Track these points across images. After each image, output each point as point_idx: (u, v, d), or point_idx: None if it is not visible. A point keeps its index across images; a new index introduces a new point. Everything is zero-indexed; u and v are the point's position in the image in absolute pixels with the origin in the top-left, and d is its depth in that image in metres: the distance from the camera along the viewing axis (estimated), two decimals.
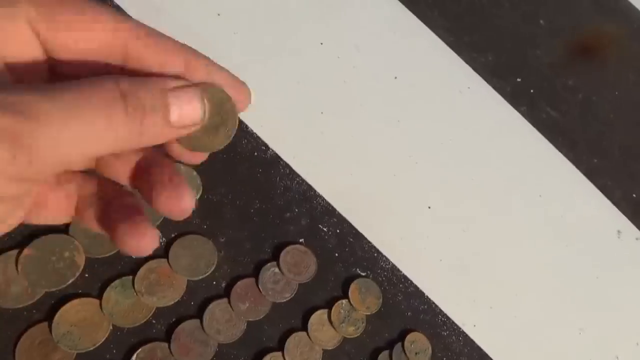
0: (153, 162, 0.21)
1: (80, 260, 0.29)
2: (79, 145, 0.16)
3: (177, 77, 0.20)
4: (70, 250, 0.29)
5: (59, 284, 0.29)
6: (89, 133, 0.16)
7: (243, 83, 0.21)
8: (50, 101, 0.16)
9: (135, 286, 0.30)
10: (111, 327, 0.29)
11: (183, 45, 0.20)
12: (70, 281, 0.29)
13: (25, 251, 0.28)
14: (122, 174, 0.21)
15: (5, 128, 0.15)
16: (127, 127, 0.17)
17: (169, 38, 0.20)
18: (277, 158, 0.37)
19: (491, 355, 0.37)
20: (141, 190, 0.20)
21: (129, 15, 0.19)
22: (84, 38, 0.19)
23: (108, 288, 0.30)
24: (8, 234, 0.24)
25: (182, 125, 0.19)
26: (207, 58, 0.21)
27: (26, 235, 0.29)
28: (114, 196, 0.21)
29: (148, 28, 0.20)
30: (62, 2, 0.19)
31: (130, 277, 0.31)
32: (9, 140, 0.15)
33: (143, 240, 0.19)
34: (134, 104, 0.17)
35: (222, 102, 0.22)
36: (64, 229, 0.30)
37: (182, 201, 0.19)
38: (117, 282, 0.30)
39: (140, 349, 0.30)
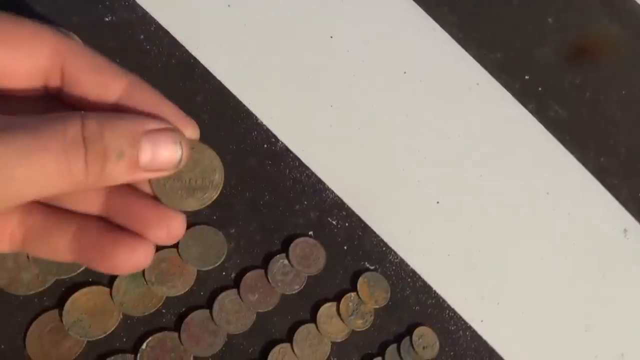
0: (129, 192, 0.20)
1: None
2: (31, 186, 0.15)
3: (156, 116, 0.19)
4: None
5: (69, 271, 0.29)
6: (42, 177, 0.15)
7: (189, 118, 0.20)
8: (2, 140, 0.15)
9: (146, 275, 0.30)
10: (121, 316, 0.30)
11: (126, 72, 0.19)
12: (81, 269, 0.29)
13: None
14: (90, 204, 0.20)
15: None
16: (85, 174, 0.16)
17: (111, 62, 0.19)
18: (286, 150, 0.37)
19: (498, 351, 0.37)
20: (121, 221, 0.19)
21: (69, 34, 0.18)
22: (25, 55, 0.18)
23: (118, 277, 0.30)
24: None
25: (154, 169, 0.18)
26: (149, 87, 0.19)
27: None
28: (82, 221, 0.19)
29: (89, 49, 0.19)
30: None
31: None
32: None
33: (135, 255, 0.18)
34: (95, 150, 0.16)
35: (212, 169, 0.22)
36: None
37: (172, 232, 0.19)
38: None
39: (150, 338, 0.30)
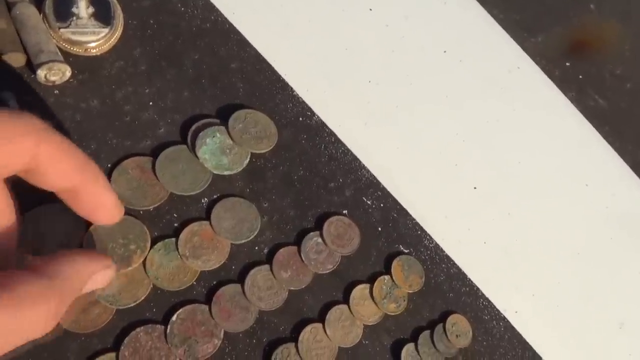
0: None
1: (137, 260, 0.29)
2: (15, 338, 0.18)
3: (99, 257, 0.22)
4: (138, 243, 0.29)
5: None
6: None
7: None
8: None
9: (180, 250, 0.30)
10: (152, 286, 0.29)
11: (88, 163, 0.22)
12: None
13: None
14: None
15: None
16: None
17: (79, 153, 0.21)
18: (322, 125, 0.37)
19: (531, 343, 0.38)
20: None
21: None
22: (11, 151, 0.19)
23: (151, 250, 0.30)
24: None
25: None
26: (101, 182, 0.22)
27: None
28: None
29: (61, 137, 0.21)
30: None
31: (173, 239, 0.31)
32: None
33: None
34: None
35: (268, 125, 0.34)
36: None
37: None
38: (159, 244, 0.30)
39: (180, 310, 0.30)
